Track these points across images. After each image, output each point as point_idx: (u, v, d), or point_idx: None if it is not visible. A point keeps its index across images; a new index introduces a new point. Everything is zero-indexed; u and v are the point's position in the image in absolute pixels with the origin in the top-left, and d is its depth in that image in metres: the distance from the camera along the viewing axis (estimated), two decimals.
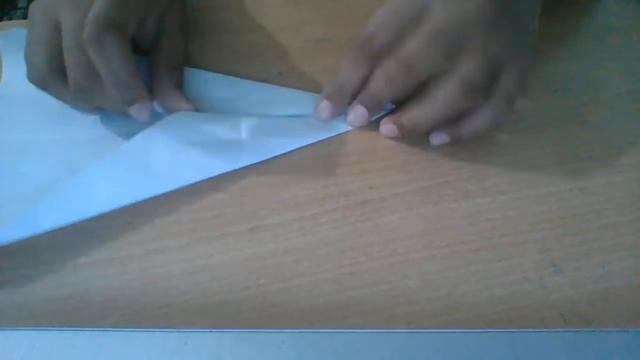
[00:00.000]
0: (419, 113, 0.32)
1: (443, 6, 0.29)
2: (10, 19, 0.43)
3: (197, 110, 0.34)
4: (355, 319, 0.28)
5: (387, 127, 0.34)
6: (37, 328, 0.27)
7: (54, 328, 0.27)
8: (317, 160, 0.34)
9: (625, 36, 0.40)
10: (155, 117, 0.33)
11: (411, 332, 0.27)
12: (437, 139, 0.33)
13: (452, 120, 0.32)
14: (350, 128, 0.35)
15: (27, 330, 0.27)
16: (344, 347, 0.27)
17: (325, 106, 0.34)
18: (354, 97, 0.34)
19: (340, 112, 0.35)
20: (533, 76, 0.38)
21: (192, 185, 0.32)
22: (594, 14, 0.42)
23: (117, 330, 0.27)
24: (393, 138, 0.34)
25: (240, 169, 0.32)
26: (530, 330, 0.27)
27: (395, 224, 0.31)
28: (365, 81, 0.33)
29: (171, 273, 0.29)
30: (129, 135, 0.33)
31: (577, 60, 0.39)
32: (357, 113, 0.34)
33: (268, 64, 0.38)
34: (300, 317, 0.28)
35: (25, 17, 0.44)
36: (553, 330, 0.27)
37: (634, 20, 0.41)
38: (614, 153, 0.34)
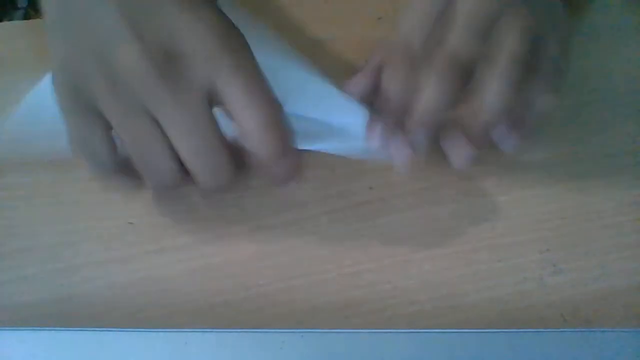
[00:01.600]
0: (482, 109, 0.29)
1: None
2: (11, 19, 0.42)
3: None
4: (355, 319, 0.28)
5: (460, 152, 0.30)
6: (37, 328, 0.27)
7: (54, 328, 0.27)
8: (317, 161, 0.34)
9: (625, 36, 0.40)
10: None
11: (411, 332, 0.27)
12: (509, 141, 0.30)
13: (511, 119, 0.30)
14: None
15: (27, 330, 0.27)
16: (344, 347, 0.27)
17: (379, 131, 0.30)
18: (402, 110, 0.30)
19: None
20: None
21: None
22: (594, 13, 0.42)
23: (117, 330, 0.27)
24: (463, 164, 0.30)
25: None
26: (530, 330, 0.27)
27: (395, 224, 0.31)
28: (412, 91, 0.30)
29: (171, 273, 0.29)
30: None
31: (577, 60, 0.39)
32: (408, 144, 0.30)
33: None
34: (300, 317, 0.28)
35: (25, 17, 0.44)
36: (553, 330, 0.27)
37: (633, 20, 0.41)
38: (613, 153, 0.34)
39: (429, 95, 0.29)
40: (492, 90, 0.28)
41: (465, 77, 0.29)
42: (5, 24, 0.41)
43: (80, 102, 0.26)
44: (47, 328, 0.27)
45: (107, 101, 0.25)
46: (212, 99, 0.25)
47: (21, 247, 0.30)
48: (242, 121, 0.25)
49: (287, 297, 0.29)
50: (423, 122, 0.29)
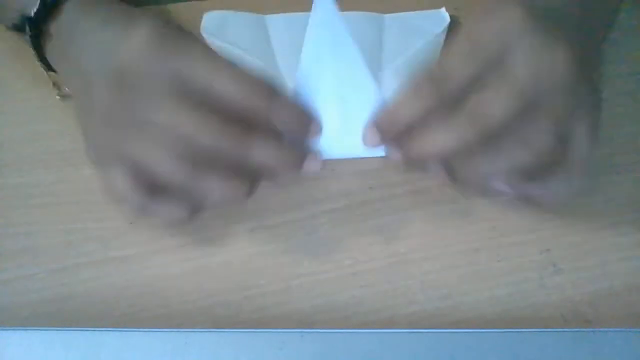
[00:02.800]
0: (481, 160, 0.28)
1: (527, 58, 0.27)
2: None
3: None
4: (355, 319, 0.28)
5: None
6: (37, 328, 0.27)
7: (54, 328, 0.27)
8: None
9: (625, 37, 0.40)
10: None
11: (411, 332, 0.27)
12: (498, 186, 0.29)
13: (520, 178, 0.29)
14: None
15: (27, 330, 0.27)
16: (344, 347, 0.27)
17: (372, 134, 0.30)
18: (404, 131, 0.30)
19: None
20: None
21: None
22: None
23: (117, 330, 0.27)
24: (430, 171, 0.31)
25: None
26: (530, 330, 0.27)
27: (395, 224, 0.31)
28: (421, 120, 0.29)
29: (171, 273, 0.29)
30: None
31: None
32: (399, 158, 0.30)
33: None
34: (300, 317, 0.28)
35: None
36: (553, 330, 0.27)
37: (634, 20, 0.41)
38: (614, 153, 0.34)
39: (436, 139, 0.28)
40: (492, 159, 0.28)
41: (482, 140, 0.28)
42: None
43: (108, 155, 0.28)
44: (47, 328, 0.27)
45: (114, 141, 0.28)
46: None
47: (21, 247, 0.30)
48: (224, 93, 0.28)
49: (287, 297, 0.29)
50: (414, 156, 0.30)
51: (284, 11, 0.41)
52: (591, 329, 0.27)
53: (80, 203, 0.32)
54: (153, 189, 0.28)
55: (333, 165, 0.33)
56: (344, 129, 0.33)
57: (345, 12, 0.38)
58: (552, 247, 0.30)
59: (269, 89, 0.28)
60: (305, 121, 0.30)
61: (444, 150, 0.28)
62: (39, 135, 0.35)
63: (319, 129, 0.31)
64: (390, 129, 0.30)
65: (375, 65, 0.37)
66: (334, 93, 0.32)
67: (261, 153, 0.28)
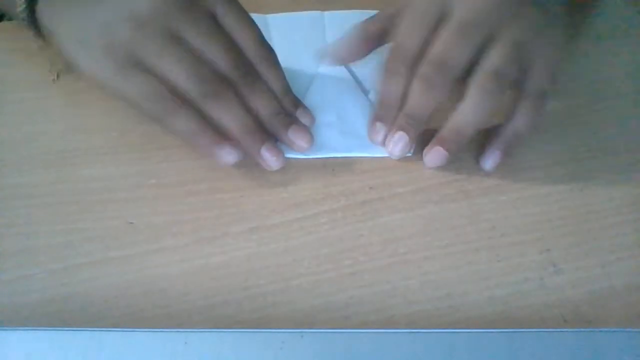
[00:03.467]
0: (457, 118, 0.31)
1: (463, 0, 0.30)
2: (10, 19, 0.43)
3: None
4: (355, 319, 0.28)
5: (432, 152, 0.32)
6: (37, 328, 0.27)
7: (54, 328, 0.27)
8: (317, 160, 0.34)
9: (625, 37, 0.40)
10: None
11: (411, 332, 0.27)
12: (490, 160, 0.32)
13: (493, 135, 0.32)
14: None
15: (27, 330, 0.27)
16: (344, 347, 0.27)
17: (378, 129, 0.33)
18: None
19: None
20: None
21: (191, 184, 0.32)
22: (594, 15, 0.42)
23: (117, 330, 0.27)
24: (440, 165, 0.32)
25: (240, 168, 0.32)
26: (530, 330, 0.27)
27: (395, 224, 0.31)
28: (406, 91, 0.32)
29: (171, 273, 0.29)
30: None
31: (578, 61, 0.39)
32: (397, 140, 0.32)
33: None
34: (300, 317, 0.28)
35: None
36: (553, 330, 0.27)
37: (633, 21, 0.41)
38: (614, 153, 0.34)
39: (410, 104, 0.31)
40: (467, 100, 0.30)
41: (451, 82, 0.30)
42: (5, 23, 0.41)
43: (132, 64, 0.30)
44: (47, 328, 0.27)
45: (147, 48, 0.30)
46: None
47: (21, 247, 0.30)
48: (239, 38, 0.32)
49: (287, 297, 0.29)
50: (408, 123, 0.32)
51: (284, 11, 0.41)
52: (591, 329, 0.27)
53: (80, 203, 0.32)
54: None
55: (333, 165, 0.33)
56: (342, 127, 0.34)
57: (351, 11, 0.39)
58: (552, 247, 0.30)
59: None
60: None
61: (420, 112, 0.31)
62: (39, 135, 0.35)
63: (305, 115, 0.34)
64: (389, 113, 0.32)
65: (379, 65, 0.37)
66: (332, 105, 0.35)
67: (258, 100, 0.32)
